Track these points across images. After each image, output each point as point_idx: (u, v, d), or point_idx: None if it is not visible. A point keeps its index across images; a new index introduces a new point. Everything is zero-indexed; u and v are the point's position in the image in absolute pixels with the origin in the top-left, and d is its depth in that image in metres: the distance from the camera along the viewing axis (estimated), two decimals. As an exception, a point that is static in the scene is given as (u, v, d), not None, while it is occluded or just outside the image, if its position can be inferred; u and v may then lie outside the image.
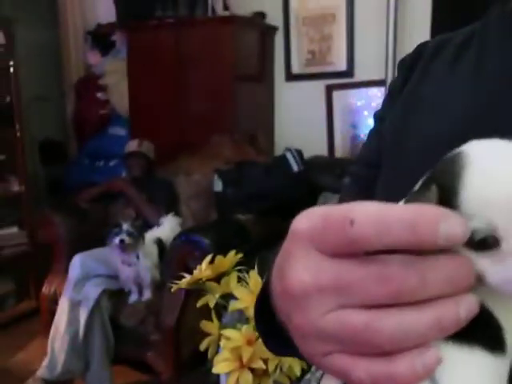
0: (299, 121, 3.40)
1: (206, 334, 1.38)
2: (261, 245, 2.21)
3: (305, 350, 0.31)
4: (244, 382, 1.22)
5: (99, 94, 3.72)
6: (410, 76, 0.56)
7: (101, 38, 3.81)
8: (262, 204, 2.52)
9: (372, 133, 0.61)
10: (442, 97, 0.50)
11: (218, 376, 1.50)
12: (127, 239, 2.29)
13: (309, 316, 0.29)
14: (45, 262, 2.81)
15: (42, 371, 2.27)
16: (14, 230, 3.22)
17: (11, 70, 3.06)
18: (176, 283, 1.45)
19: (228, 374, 1.28)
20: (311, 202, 2.56)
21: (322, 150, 3.30)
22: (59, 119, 4.06)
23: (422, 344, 0.27)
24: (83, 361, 2.26)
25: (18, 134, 3.14)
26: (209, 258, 1.42)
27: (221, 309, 1.41)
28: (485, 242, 0.27)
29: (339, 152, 3.33)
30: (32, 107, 3.68)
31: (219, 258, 1.41)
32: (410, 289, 0.27)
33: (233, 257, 1.41)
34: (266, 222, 2.47)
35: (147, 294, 2.36)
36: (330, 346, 0.29)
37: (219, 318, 1.41)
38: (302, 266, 0.29)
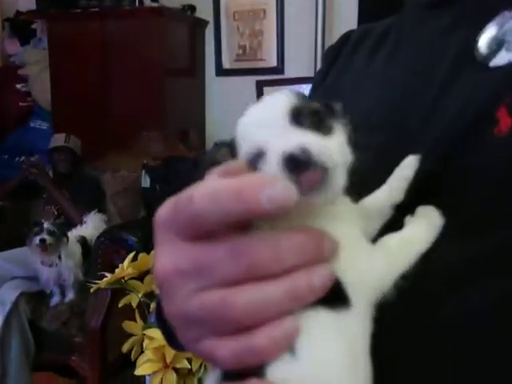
0: (231, 116, 3.36)
1: (131, 335, 1.33)
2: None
3: (181, 340, 0.31)
4: (168, 383, 1.18)
5: (19, 86, 3.52)
6: (334, 64, 0.56)
7: (20, 26, 3.60)
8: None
9: None
10: (358, 88, 0.50)
11: (144, 378, 1.45)
12: (48, 239, 2.18)
13: (174, 302, 0.29)
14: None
15: (-47, 382, 2.12)
16: None
17: None
18: (96, 283, 1.39)
19: (152, 374, 1.24)
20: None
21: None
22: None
23: (281, 315, 0.28)
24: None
25: None
26: (131, 255, 1.37)
27: (146, 309, 1.37)
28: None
29: (270, 147, 3.35)
30: None
31: (143, 255, 1.37)
32: (264, 262, 0.27)
33: (156, 254, 1.36)
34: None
35: (70, 296, 2.26)
36: (197, 330, 0.29)
37: (145, 318, 1.37)
38: (162, 253, 0.29)
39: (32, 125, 3.45)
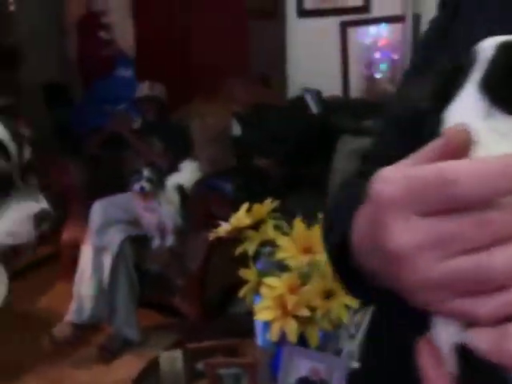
0: (313, 59, 3.27)
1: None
2: (282, 190, 2.19)
3: (419, 301, 0.33)
4: (290, 330, 1.23)
5: (102, 33, 3.56)
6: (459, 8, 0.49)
7: (101, -28, 3.60)
8: (280, 148, 2.48)
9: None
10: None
11: (251, 320, 1.52)
12: (147, 186, 2.27)
13: (417, 273, 0.31)
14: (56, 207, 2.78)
15: (70, 316, 2.31)
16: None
17: (11, 8, 2.91)
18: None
19: (270, 321, 1.28)
20: (330, 145, 2.50)
21: (336, 91, 3.20)
22: (61, 61, 3.89)
23: None
24: (109, 306, 2.29)
25: (21, 78, 3.03)
26: (246, 206, 1.40)
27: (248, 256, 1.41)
28: None
29: (354, 92, 3.24)
30: (34, 48, 3.51)
31: (257, 206, 1.40)
32: (508, 227, 0.28)
33: (269, 204, 1.40)
34: (285, 167, 2.44)
35: (170, 240, 2.36)
36: (445, 293, 0.31)
37: (246, 264, 1.42)
38: (398, 230, 0.31)
39: (116, 73, 3.51)
